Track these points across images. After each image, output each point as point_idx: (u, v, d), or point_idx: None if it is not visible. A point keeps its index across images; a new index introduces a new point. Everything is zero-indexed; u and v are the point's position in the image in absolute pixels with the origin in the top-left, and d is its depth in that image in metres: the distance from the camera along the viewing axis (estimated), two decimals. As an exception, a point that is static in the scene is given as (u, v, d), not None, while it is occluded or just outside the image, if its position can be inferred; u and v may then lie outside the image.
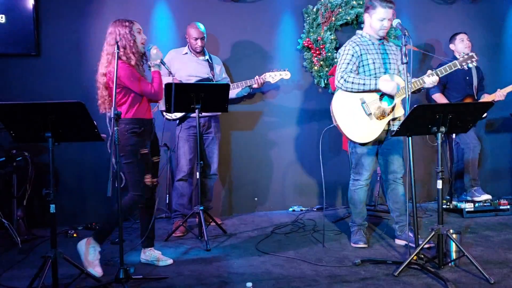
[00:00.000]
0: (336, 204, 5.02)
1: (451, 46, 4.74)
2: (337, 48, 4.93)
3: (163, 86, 3.28)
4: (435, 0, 5.24)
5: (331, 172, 4.94)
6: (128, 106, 3.02)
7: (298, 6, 4.92)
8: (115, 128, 2.69)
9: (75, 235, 4.00)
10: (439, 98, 4.60)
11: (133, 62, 3.02)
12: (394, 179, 3.52)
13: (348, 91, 3.38)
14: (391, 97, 3.36)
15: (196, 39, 4.11)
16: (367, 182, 3.53)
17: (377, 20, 3.37)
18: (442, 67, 3.37)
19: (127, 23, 3.07)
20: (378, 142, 3.48)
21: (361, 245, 3.49)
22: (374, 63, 3.40)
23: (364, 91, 3.36)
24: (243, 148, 4.87)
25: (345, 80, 3.35)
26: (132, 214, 3.18)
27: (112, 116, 2.69)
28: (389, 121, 3.41)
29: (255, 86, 4.32)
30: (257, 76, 4.31)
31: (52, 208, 2.63)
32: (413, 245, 3.11)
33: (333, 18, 4.88)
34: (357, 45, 3.43)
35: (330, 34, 4.86)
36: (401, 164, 3.52)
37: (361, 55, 3.41)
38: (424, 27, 5.17)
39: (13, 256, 3.43)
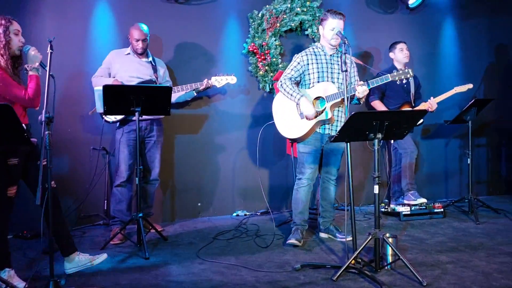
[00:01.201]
0: (281, 208, 5.05)
1: (391, 55, 4.89)
2: (281, 54, 5.00)
3: (41, 90, 2.83)
4: (375, 9, 5.42)
5: (276, 176, 5.01)
6: None
7: (243, 11, 4.92)
8: (47, 132, 2.56)
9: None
10: (378, 105, 4.74)
11: (2, 63, 2.75)
12: (328, 179, 3.86)
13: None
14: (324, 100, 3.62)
15: (138, 40, 4.01)
16: (309, 181, 3.73)
17: (329, 30, 3.64)
18: (375, 79, 3.60)
19: (3, 22, 2.79)
20: (319, 144, 3.71)
21: (292, 241, 3.63)
22: (319, 72, 3.67)
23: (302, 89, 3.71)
24: (188, 152, 4.80)
25: (281, 85, 3.73)
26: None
27: (43, 119, 2.56)
28: (324, 124, 3.66)
29: (201, 88, 4.28)
30: (206, 79, 4.28)
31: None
32: (339, 239, 3.73)
33: (278, 24, 4.92)
34: (307, 55, 3.73)
35: (275, 40, 4.90)
36: (337, 167, 3.86)
37: (307, 64, 3.70)
38: (364, 35, 5.33)
39: None
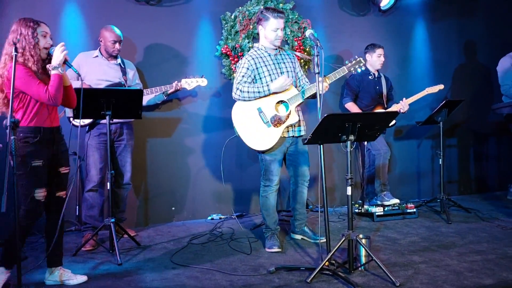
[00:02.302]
0: (256, 210, 5.02)
1: (367, 57, 4.85)
2: (255, 56, 4.96)
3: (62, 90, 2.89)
4: (348, 11, 5.46)
5: (249, 179, 4.98)
6: (23, 113, 2.78)
7: (216, 12, 4.89)
8: (12, 137, 2.47)
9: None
10: (351, 107, 4.78)
11: (30, 65, 2.77)
12: (301, 182, 3.76)
13: (246, 101, 3.56)
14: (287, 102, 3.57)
15: (115, 42, 3.94)
16: (276, 187, 3.70)
17: (271, 30, 3.56)
18: (332, 73, 3.61)
19: (31, 24, 2.82)
20: (284, 148, 3.66)
21: (275, 249, 3.56)
22: (270, 74, 3.59)
23: (260, 98, 3.55)
24: (160, 155, 4.73)
25: (240, 90, 3.55)
26: (30, 230, 2.87)
27: (8, 124, 2.47)
28: (287, 128, 3.59)
29: (171, 91, 4.21)
30: (176, 82, 4.22)
31: None
32: (311, 240, 3.72)
33: (251, 26, 4.91)
34: (253, 58, 3.61)
35: (248, 42, 4.88)
36: (308, 166, 3.77)
37: (256, 68, 3.59)
38: (337, 37, 5.36)
39: None
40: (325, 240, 3.15)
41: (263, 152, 3.61)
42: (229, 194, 4.97)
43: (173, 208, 4.78)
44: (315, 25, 5.17)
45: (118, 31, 3.99)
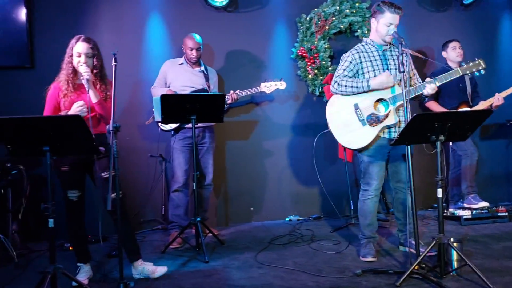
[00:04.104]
0: (334, 213, 4.98)
1: (444, 54, 4.76)
2: (331, 57, 4.96)
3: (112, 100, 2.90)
4: (427, 7, 5.29)
5: (327, 181, 4.95)
6: None
7: (291, 15, 4.94)
8: (114, 141, 2.66)
9: (71, 248, 3.92)
10: (433, 106, 4.62)
11: (61, 83, 3.02)
12: (399, 188, 3.51)
13: (343, 95, 3.39)
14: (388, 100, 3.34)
15: (192, 49, 4.10)
16: (376, 192, 3.42)
17: (384, 25, 3.33)
18: (443, 74, 3.31)
19: (71, 41, 3.07)
20: (385, 150, 3.41)
21: (369, 258, 3.35)
22: (374, 70, 3.37)
23: (359, 93, 3.35)
24: (238, 157, 4.85)
25: (338, 84, 3.36)
26: (74, 228, 3.14)
27: (111, 128, 2.67)
28: (387, 128, 3.36)
29: (228, 102, 4.22)
30: (231, 91, 4.26)
31: (51, 222, 2.59)
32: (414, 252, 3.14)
33: (327, 27, 4.90)
34: (358, 52, 3.41)
35: (324, 43, 4.88)
36: (406, 173, 3.40)
37: (360, 62, 3.39)
38: (416, 34, 5.20)
39: (9, 271, 3.37)
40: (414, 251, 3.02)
41: (359, 151, 3.43)
42: (307, 196, 4.99)
43: (252, 209, 4.88)
44: (393, 23, 5.04)
45: (197, 39, 4.13)
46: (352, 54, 3.42)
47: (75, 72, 3.02)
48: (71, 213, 3.07)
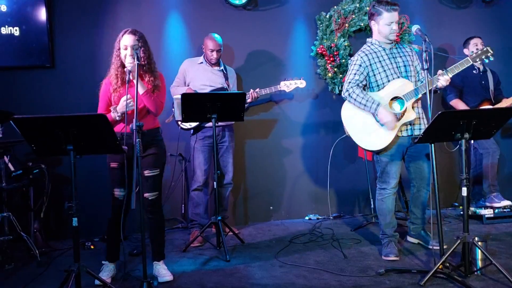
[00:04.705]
0: (354, 212, 4.97)
1: (465, 51, 4.69)
2: (351, 55, 4.91)
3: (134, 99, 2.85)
4: (448, 4, 5.21)
5: (347, 180, 4.93)
6: None
7: (310, 13, 4.91)
8: (137, 140, 2.67)
9: (92, 246, 3.98)
10: (457, 104, 4.55)
11: (111, 78, 3.04)
12: (421, 185, 3.51)
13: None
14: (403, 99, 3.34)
15: (212, 50, 4.10)
16: (394, 190, 3.44)
17: (385, 25, 3.37)
18: (454, 65, 3.30)
19: (119, 35, 3.03)
20: (402, 148, 3.42)
21: (392, 257, 3.33)
22: (385, 70, 3.39)
23: (373, 93, 3.38)
24: (258, 156, 4.84)
25: (349, 95, 3.39)
26: (118, 225, 3.00)
27: (134, 127, 2.68)
28: (404, 126, 3.35)
29: (249, 100, 4.20)
30: (251, 90, 4.25)
31: (75, 221, 2.61)
32: (431, 246, 3.34)
33: (347, 25, 4.86)
34: (366, 54, 3.43)
35: (344, 41, 4.84)
36: (429, 171, 3.44)
37: (370, 64, 3.41)
38: (437, 32, 5.12)
39: (32, 270, 3.41)
40: (438, 247, 3.01)
41: (377, 152, 3.44)
42: (326, 194, 4.91)
43: (271, 208, 4.87)
44: (413, 20, 4.97)
45: (218, 40, 4.12)
46: (361, 57, 3.43)
47: (123, 66, 3.02)
48: (115, 211, 3.06)
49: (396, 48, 3.49)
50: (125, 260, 3.29)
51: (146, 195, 3.01)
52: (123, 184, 2.98)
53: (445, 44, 5.17)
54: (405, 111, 3.32)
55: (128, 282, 3.08)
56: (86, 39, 4.46)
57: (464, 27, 5.13)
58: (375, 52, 3.43)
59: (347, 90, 3.40)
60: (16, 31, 4.29)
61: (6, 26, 4.27)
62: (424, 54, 3.05)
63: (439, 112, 2.67)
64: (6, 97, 4.24)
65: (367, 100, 3.31)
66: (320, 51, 4.82)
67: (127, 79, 2.85)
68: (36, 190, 3.92)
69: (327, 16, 4.83)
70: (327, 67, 4.84)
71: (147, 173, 3.04)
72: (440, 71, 3.32)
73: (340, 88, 4.86)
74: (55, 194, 4.09)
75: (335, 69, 4.82)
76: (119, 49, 2.99)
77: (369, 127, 3.36)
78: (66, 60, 4.42)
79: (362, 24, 4.88)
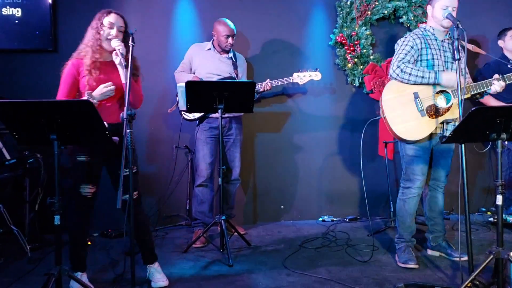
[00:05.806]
0: (372, 214, 4.61)
1: (500, 43, 4.32)
2: (372, 45, 4.56)
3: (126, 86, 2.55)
4: (482, -8, 4.80)
5: (365, 180, 4.56)
6: None
7: (330, -1, 4.56)
8: (128, 130, 2.40)
9: (89, 242, 3.72)
10: (489, 101, 4.15)
11: (85, 59, 2.67)
12: (436, 186, 3.30)
13: (404, 83, 3.08)
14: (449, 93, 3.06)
15: (228, 36, 3.80)
16: (419, 191, 3.16)
17: (440, 8, 3.08)
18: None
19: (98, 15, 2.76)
20: (430, 146, 3.17)
21: (411, 265, 3.07)
22: (433, 59, 3.10)
23: (421, 84, 3.05)
24: (269, 151, 4.53)
25: (401, 70, 3.05)
26: (83, 228, 2.76)
27: (124, 117, 2.40)
28: (441, 123, 3.08)
29: (261, 90, 3.91)
30: (268, 80, 3.94)
31: (57, 219, 2.36)
32: (453, 258, 3.15)
33: (369, 12, 4.49)
34: (418, 37, 3.15)
35: (366, 29, 4.48)
36: (447, 172, 3.27)
37: (421, 48, 3.13)
38: (468, 22, 4.67)
39: (22, 266, 3.19)
40: (466, 258, 2.67)
41: (407, 142, 3.14)
42: (342, 195, 4.62)
43: (282, 207, 4.56)
44: (443, 8, 4.59)
45: (231, 25, 3.84)
46: (413, 39, 3.14)
47: (102, 47, 2.70)
48: (80, 211, 2.71)
49: (448, 44, 3.20)
50: (113, 259, 3.03)
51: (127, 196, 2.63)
52: (91, 180, 2.67)
53: (477, 36, 4.76)
54: (450, 106, 3.04)
55: (119, 285, 2.82)
56: (90, 23, 4.19)
57: (497, 18, 4.74)
58: (426, 38, 3.16)
59: (398, 67, 3.07)
60: (17, 12, 4.09)
61: (8, 7, 4.08)
62: (456, 43, 2.70)
63: (474, 108, 2.31)
64: (5, 81, 4.04)
65: (423, 71, 3.02)
66: (339, 40, 4.47)
67: (117, 62, 2.55)
68: (31, 181, 3.69)
69: (348, 3, 4.47)
70: (347, 57, 4.49)
71: (125, 172, 2.63)
72: (496, 75, 3.06)
73: (360, 80, 4.51)
74: (52, 185, 3.84)
75: (355, 59, 4.46)
76: (101, 25, 2.67)
77: (408, 115, 3.07)
78: (69, 44, 4.08)
79: (385, 12, 4.50)
